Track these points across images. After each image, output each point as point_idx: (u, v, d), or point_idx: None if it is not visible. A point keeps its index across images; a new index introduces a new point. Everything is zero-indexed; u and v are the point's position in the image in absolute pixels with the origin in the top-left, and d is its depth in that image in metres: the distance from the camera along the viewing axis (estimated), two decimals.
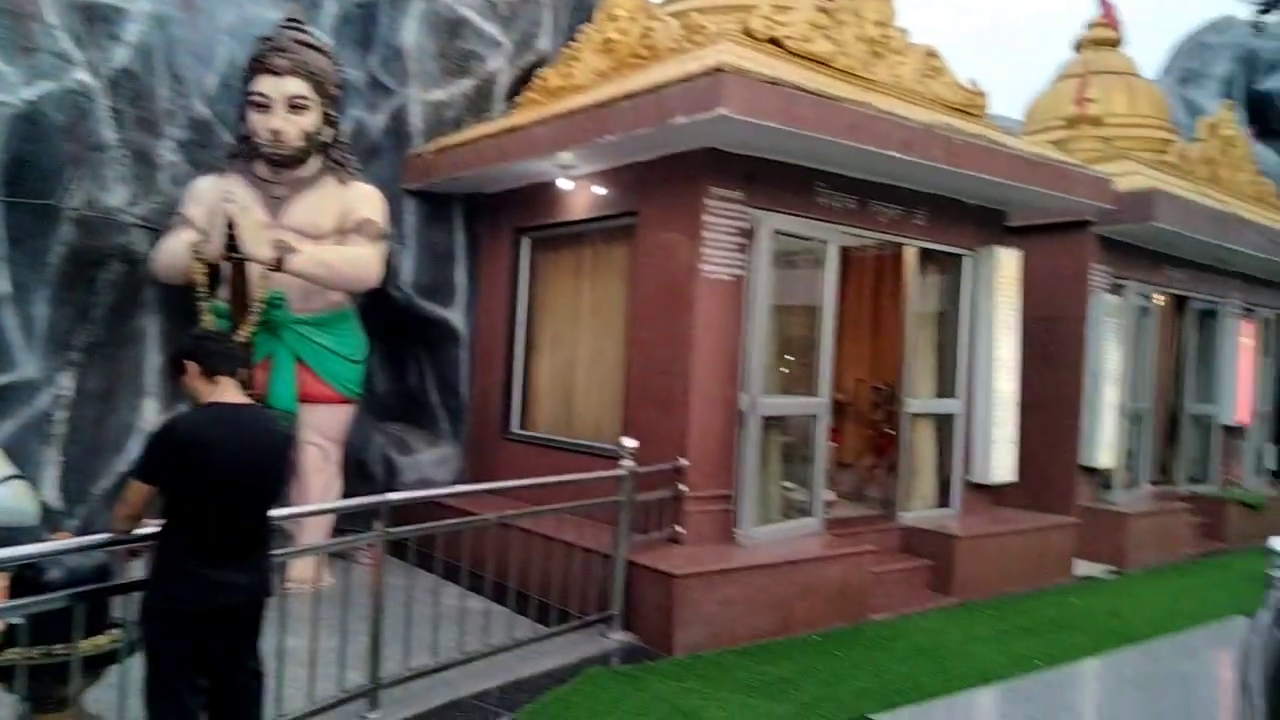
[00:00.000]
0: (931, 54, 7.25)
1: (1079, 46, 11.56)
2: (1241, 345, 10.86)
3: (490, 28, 7.81)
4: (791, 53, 6.28)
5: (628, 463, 5.51)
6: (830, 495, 7.12)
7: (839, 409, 8.77)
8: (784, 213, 6.36)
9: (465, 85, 7.76)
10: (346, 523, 5.79)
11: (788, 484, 6.77)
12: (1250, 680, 2.98)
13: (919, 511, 7.54)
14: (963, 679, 5.23)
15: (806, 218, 6.52)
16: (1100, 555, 8.41)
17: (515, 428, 7.67)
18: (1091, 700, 5.54)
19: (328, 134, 6.64)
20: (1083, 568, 8.13)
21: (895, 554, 7.15)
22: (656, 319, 6.28)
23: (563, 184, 6.83)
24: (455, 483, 7.46)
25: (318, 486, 6.41)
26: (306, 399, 6.34)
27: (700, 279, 6.04)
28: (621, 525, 5.45)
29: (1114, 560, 8.43)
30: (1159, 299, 9.97)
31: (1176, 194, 8.97)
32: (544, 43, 8.13)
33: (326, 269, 6.24)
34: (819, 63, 6.41)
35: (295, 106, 6.39)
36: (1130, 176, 8.80)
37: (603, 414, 6.93)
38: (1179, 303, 10.42)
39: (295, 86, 6.39)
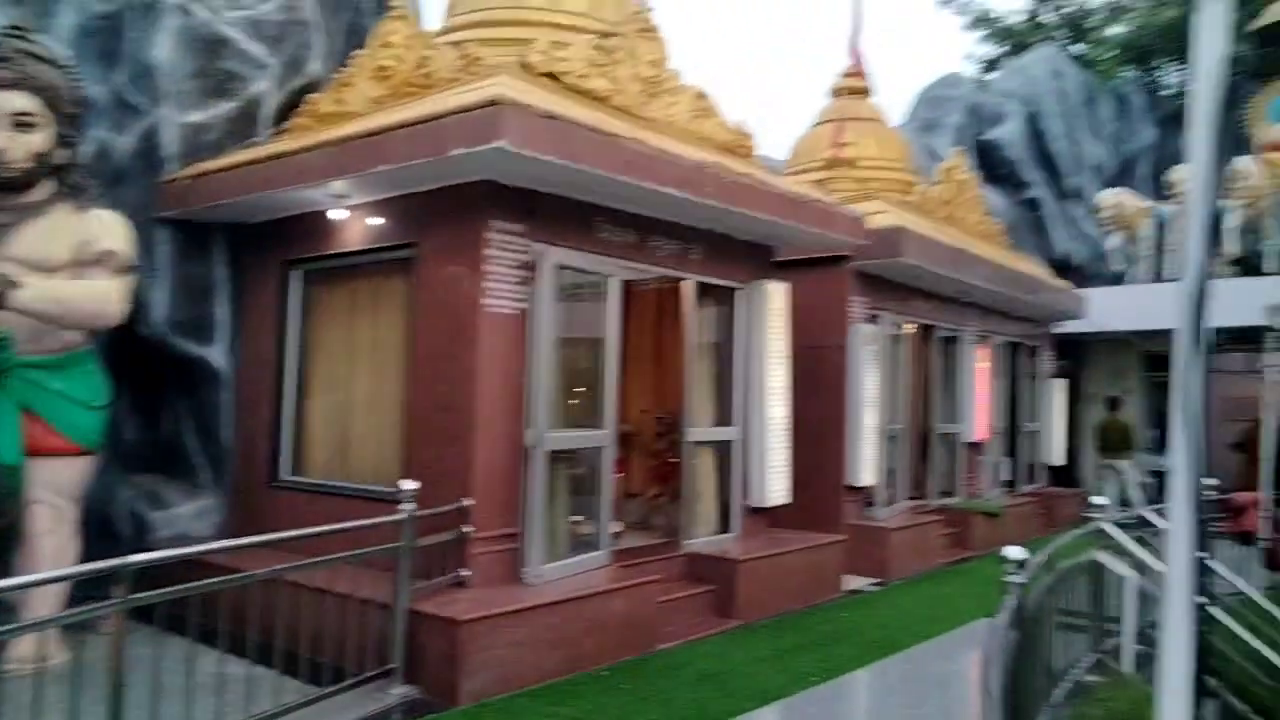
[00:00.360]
0: (701, 95, 7.57)
1: (834, 94, 12.51)
2: (979, 369, 12.04)
3: (255, 48, 7.37)
4: (569, 88, 6.34)
5: (408, 506, 5.28)
6: (617, 527, 7.17)
7: (624, 440, 8.88)
8: (566, 247, 6.38)
9: (227, 107, 7.26)
10: (90, 588, 5.16)
11: (575, 518, 6.75)
12: (990, 679, 3.24)
13: (702, 538, 7.74)
14: (747, 700, 5.38)
15: (588, 252, 6.59)
16: (866, 569, 8.99)
17: (286, 474, 7.18)
18: (862, 709, 5.86)
19: (62, 155, 5.98)
20: (851, 582, 8.65)
21: (681, 581, 7.29)
22: (438, 355, 6.10)
23: (336, 214, 6.53)
24: (217, 537, 6.89)
25: (49, 551, 5.68)
26: (36, 452, 5.62)
27: (483, 313, 5.94)
28: (401, 572, 5.20)
29: (878, 573, 9.03)
30: (909, 328, 10.87)
31: (920, 232, 9.84)
32: (315, 66, 7.76)
33: (58, 305, 5.59)
34: (596, 99, 6.52)
35: (21, 124, 5.72)
36: (881, 215, 9.58)
37: (382, 455, 6.62)
38: (926, 331, 11.42)
39: (21, 102, 5.72)
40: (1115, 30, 23.50)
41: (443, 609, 5.28)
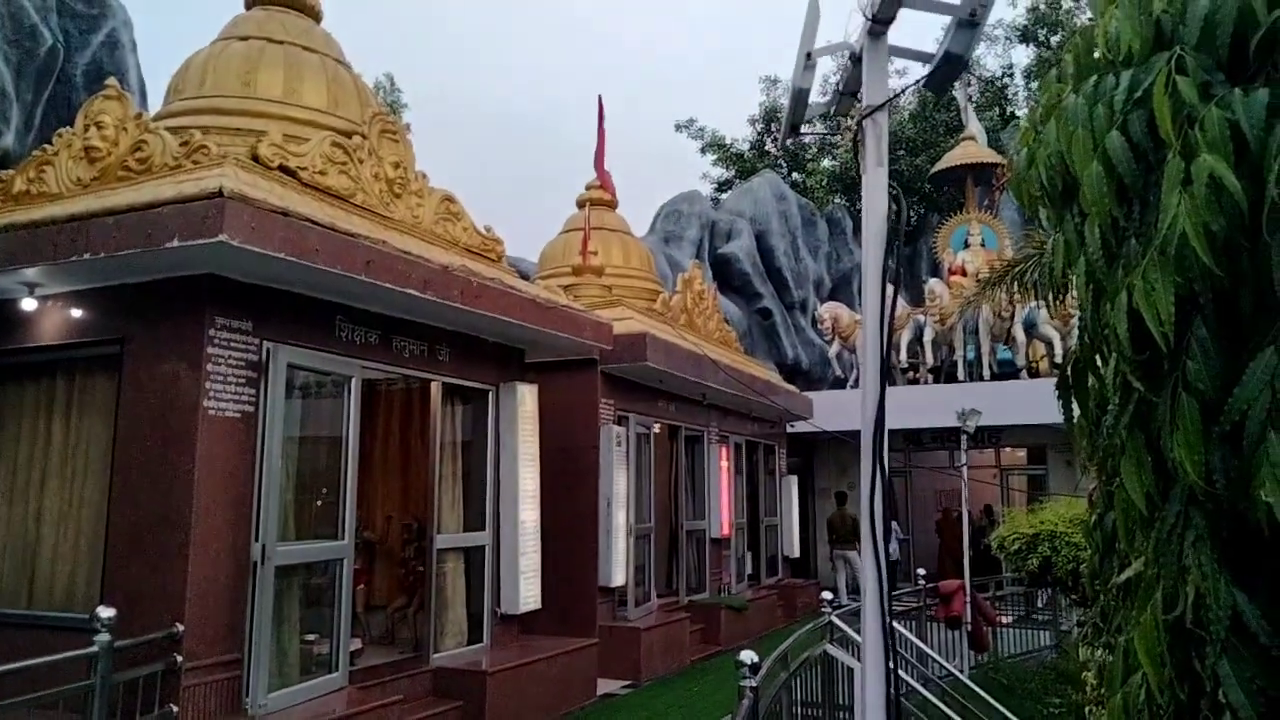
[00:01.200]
0: (449, 199, 7.57)
1: (581, 204, 12.98)
2: (721, 467, 12.58)
3: None
4: (306, 184, 6.11)
5: (104, 637, 4.61)
6: (356, 644, 6.67)
7: (368, 549, 8.39)
8: (300, 346, 6.04)
9: None
10: None
11: (309, 637, 6.20)
12: None
13: (451, 650, 7.37)
14: None
15: (325, 352, 6.27)
16: (619, 671, 8.91)
17: None
18: None
19: None
20: (604, 685, 8.52)
21: (427, 698, 6.85)
22: (149, 462, 5.49)
23: (27, 304, 5.82)
24: None
25: None
26: None
27: (204, 416, 5.44)
28: (94, 714, 4.50)
29: (630, 675, 8.98)
30: (656, 428, 11.20)
31: (663, 337, 10.28)
32: (7, 140, 7.01)
33: None
34: (336, 197, 6.33)
35: None
36: (626, 321, 9.92)
37: (78, 578, 5.80)
38: (672, 431, 11.81)
39: None
40: (826, 164, 26.38)
41: None
